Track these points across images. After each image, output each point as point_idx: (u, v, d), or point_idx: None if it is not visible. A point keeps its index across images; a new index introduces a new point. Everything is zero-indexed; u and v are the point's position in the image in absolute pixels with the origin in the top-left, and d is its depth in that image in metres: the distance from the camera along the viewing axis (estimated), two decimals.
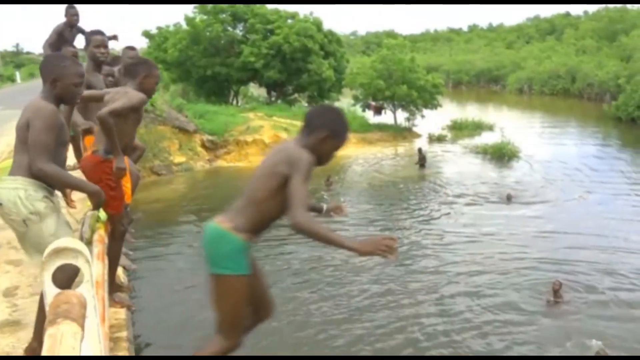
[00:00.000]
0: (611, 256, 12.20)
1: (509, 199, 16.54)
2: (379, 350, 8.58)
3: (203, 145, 23.26)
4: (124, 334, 4.34)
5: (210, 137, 23.40)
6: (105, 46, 5.34)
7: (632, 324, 9.39)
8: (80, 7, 8.87)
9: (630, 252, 12.45)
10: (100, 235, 4.29)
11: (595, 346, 8.15)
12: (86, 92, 4.21)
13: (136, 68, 4.31)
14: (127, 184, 5.19)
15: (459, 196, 17.60)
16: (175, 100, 23.94)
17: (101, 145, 4.09)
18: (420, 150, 23.16)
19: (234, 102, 34.21)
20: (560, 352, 8.37)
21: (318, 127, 3.25)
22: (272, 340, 8.89)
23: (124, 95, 4.07)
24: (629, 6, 64.81)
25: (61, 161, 3.52)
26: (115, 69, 5.83)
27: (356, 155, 25.16)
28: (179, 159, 21.64)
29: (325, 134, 3.24)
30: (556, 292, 10.02)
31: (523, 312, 9.77)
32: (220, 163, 23.27)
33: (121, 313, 4.67)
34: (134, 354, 4.29)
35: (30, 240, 3.33)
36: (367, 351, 8.54)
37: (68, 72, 3.35)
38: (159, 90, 26.47)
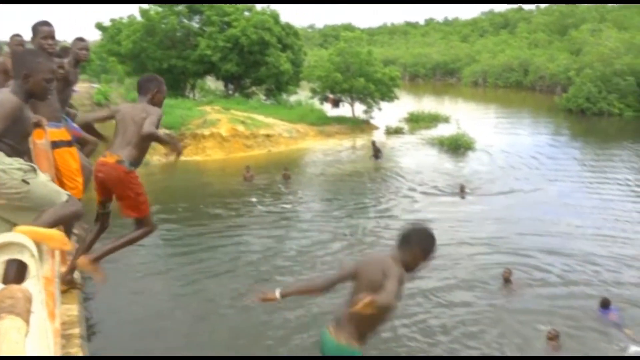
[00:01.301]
0: (562, 241, 12.62)
1: (462, 190, 16.84)
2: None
3: None
4: (76, 330, 4.27)
5: (166, 131, 23.01)
6: (53, 37, 5.22)
7: (582, 301, 9.77)
8: None
9: (580, 237, 12.92)
10: None
11: (546, 330, 8.44)
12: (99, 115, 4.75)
13: (148, 85, 4.56)
14: (78, 178, 5.10)
15: (414, 187, 17.83)
16: (131, 94, 23.46)
17: (124, 155, 4.33)
18: (373, 142, 23.36)
19: (191, 95, 33.81)
20: (513, 336, 8.61)
21: (413, 244, 3.76)
22: (228, 327, 8.93)
23: (151, 111, 4.36)
24: None
25: (23, 151, 3.54)
26: (65, 60, 5.69)
27: (314, 147, 25.22)
28: None
29: (419, 251, 3.77)
30: (507, 280, 10.28)
31: (475, 298, 10.02)
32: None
33: (74, 310, 4.60)
34: (87, 352, 4.23)
35: (35, 195, 3.25)
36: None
37: (41, 68, 3.41)
38: (113, 83, 26.01)
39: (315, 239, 13.26)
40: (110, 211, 4.80)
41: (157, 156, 22.11)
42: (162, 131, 4.56)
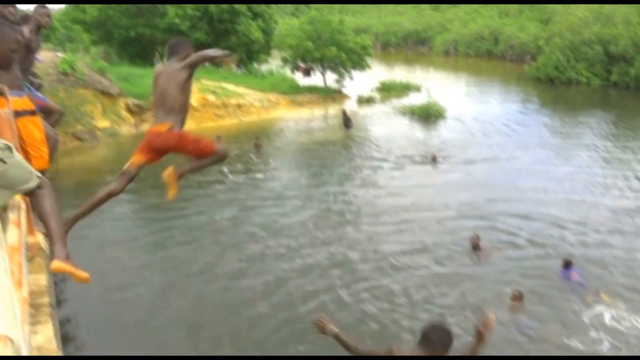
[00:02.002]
0: (531, 206, 12.92)
1: (434, 158, 16.99)
2: (299, 298, 8.88)
3: (128, 110, 22.55)
4: (45, 300, 4.26)
5: (135, 101, 22.71)
6: (13, 5, 5.08)
7: (548, 263, 10.07)
8: None
9: (549, 202, 13.24)
10: (16, 202, 4.16)
11: (511, 291, 8.68)
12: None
13: (179, 47, 4.71)
14: (43, 147, 5.03)
15: (385, 156, 17.95)
16: (97, 63, 22.98)
17: (172, 122, 4.54)
18: (344, 112, 23.34)
19: (160, 64, 33.20)
20: (478, 300, 8.83)
21: (436, 344, 3.90)
22: (194, 295, 9.02)
23: (189, 59, 4.48)
24: None
25: None
26: (26, 28, 5.54)
27: (286, 117, 25.13)
28: (102, 123, 20.92)
29: (440, 349, 3.90)
30: (475, 246, 10.50)
31: (441, 262, 10.26)
32: (147, 127, 22.60)
33: (43, 279, 4.58)
34: (57, 321, 4.24)
35: (10, 174, 3.19)
36: (285, 300, 8.78)
37: (6, 38, 3.37)
38: (78, 52, 25.40)
39: (286, 208, 13.34)
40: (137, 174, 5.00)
41: (126, 127, 21.84)
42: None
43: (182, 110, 4.58)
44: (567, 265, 9.42)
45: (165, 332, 8.31)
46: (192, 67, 4.51)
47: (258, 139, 19.46)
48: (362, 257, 10.56)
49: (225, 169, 16.58)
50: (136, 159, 4.84)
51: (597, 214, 12.38)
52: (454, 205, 13.19)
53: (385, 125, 23.41)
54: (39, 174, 3.41)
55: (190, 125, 23.09)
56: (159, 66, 4.73)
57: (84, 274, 3.80)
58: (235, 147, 19.24)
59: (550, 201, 13.30)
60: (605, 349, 7.51)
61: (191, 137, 4.66)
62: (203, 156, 4.72)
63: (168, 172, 4.73)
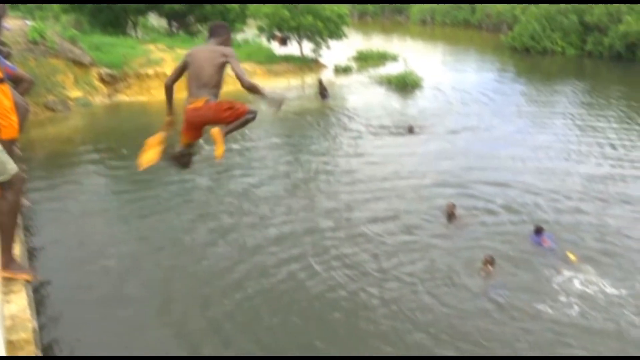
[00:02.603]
0: (506, 174, 13.11)
1: (410, 130, 17.05)
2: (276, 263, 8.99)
3: (101, 79, 22.13)
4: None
5: (108, 71, 22.30)
6: None
7: (521, 229, 10.25)
8: None
9: (524, 170, 13.43)
10: None
11: (482, 256, 8.86)
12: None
13: (220, 30, 4.92)
14: (12, 116, 4.94)
15: (362, 126, 17.95)
16: (68, 32, 22.43)
17: (207, 96, 4.78)
18: (320, 81, 23.20)
19: (133, 33, 32.54)
20: (449, 266, 9.00)
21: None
22: (170, 265, 9.05)
23: (227, 52, 4.82)
24: None
25: None
26: None
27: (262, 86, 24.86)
28: (75, 93, 20.53)
29: None
30: (451, 215, 10.64)
31: (419, 232, 10.38)
32: (121, 98, 22.33)
33: (16, 249, 4.54)
34: (30, 290, 4.23)
35: None
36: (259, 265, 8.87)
37: None
38: (48, 20, 24.80)
39: (261, 177, 13.34)
40: (194, 153, 5.18)
41: (99, 97, 21.49)
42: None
43: (217, 86, 4.78)
44: (539, 231, 9.61)
45: (137, 301, 8.34)
46: (227, 62, 4.78)
47: None
48: (336, 226, 10.64)
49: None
50: (183, 140, 5.13)
51: (571, 181, 12.60)
52: (429, 173, 13.30)
53: (362, 94, 23.37)
54: (15, 171, 3.36)
55: (163, 95, 22.82)
56: (194, 48, 4.84)
57: (25, 276, 4.03)
58: None
59: (525, 169, 13.49)
60: (574, 314, 7.70)
61: (225, 105, 4.80)
62: (242, 117, 4.88)
63: (215, 130, 4.83)
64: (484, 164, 14.00)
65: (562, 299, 8.02)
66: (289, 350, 7.18)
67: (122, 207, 11.84)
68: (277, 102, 4.92)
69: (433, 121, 18.33)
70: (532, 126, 17.81)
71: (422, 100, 22.06)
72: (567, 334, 7.32)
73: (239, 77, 4.63)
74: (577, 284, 8.36)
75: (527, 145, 15.60)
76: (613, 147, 15.20)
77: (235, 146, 16.15)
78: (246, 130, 17.50)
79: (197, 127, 5.06)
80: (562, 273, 8.63)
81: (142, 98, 22.39)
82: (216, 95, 4.82)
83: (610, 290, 8.17)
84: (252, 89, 4.72)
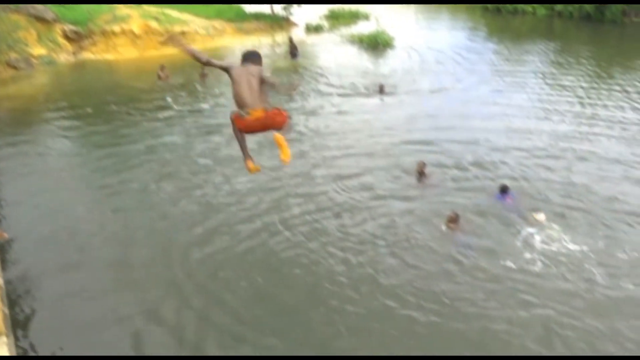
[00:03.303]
0: (473, 133, 13.18)
1: (381, 89, 16.96)
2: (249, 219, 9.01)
3: (65, 36, 21.53)
4: None
5: (72, 27, 21.68)
6: None
7: (488, 186, 10.38)
8: None
9: (492, 129, 13.50)
10: None
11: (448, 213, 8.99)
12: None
13: (254, 57, 5.58)
14: None
15: (333, 86, 17.80)
16: None
17: (263, 105, 5.42)
18: (291, 40, 22.85)
19: None
20: (410, 219, 9.10)
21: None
22: (141, 224, 9.02)
23: (261, 69, 5.47)
24: None
25: None
26: None
27: (232, 45, 24.48)
28: (38, 51, 19.95)
29: None
30: (421, 173, 10.70)
31: (388, 191, 10.42)
32: (87, 55, 21.76)
33: None
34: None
35: None
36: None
37: None
38: None
39: (230, 136, 13.17)
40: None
41: (64, 54, 20.93)
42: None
43: (266, 97, 5.47)
44: (504, 190, 9.73)
45: (99, 260, 8.37)
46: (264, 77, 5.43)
47: (203, 68, 18.93)
48: (302, 184, 10.66)
49: (169, 99, 16.21)
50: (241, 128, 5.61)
51: (539, 139, 12.72)
52: (399, 132, 13.31)
53: (333, 54, 23.11)
54: None
55: (132, 53, 22.34)
56: (236, 65, 5.51)
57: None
58: (180, 76, 18.77)
59: (495, 128, 13.56)
60: (537, 269, 7.85)
61: (276, 112, 5.48)
62: (288, 121, 5.61)
63: (277, 136, 5.43)
64: (455, 122, 14.04)
65: (526, 256, 8.17)
66: (250, 308, 7.24)
67: (86, 165, 11.69)
68: (292, 88, 5.83)
69: (404, 81, 18.25)
70: (504, 85, 17.86)
71: (393, 60, 21.91)
72: (529, 291, 7.45)
73: (275, 85, 5.46)
74: (540, 241, 8.51)
75: (498, 103, 15.67)
76: (582, 105, 15.35)
77: (204, 105, 15.97)
78: (216, 89, 17.34)
79: (254, 132, 5.72)
80: (526, 230, 8.77)
81: (109, 56, 21.87)
82: (268, 103, 5.48)
83: (573, 246, 8.34)
84: (268, 81, 5.41)
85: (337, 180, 10.71)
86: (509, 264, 8.00)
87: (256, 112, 5.37)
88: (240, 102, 5.38)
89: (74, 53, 21.41)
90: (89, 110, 15.34)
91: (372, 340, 6.69)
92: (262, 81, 5.40)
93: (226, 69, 5.49)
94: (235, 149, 12.25)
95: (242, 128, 5.58)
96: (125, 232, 9.07)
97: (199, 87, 17.74)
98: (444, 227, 8.91)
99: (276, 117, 5.47)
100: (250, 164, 5.79)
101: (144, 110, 15.25)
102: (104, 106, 15.64)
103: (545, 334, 6.70)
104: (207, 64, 5.47)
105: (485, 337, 6.67)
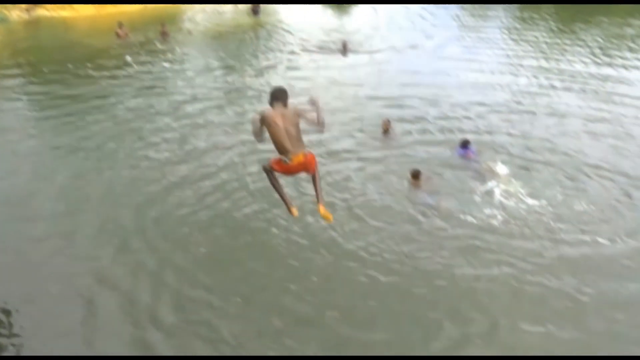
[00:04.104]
0: (437, 90, 13.11)
1: (345, 47, 16.72)
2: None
3: None
4: None
5: None
6: None
7: (451, 140, 10.35)
8: None
9: (455, 85, 13.49)
10: None
11: (410, 169, 8.98)
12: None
13: (282, 95, 5.45)
14: None
15: (296, 44, 17.50)
16: None
17: (305, 148, 5.49)
18: None
19: None
20: (379, 183, 9.06)
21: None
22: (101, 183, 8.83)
23: (293, 109, 5.43)
24: None
25: None
26: None
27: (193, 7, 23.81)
28: None
29: None
30: (386, 130, 10.64)
31: (351, 149, 10.32)
32: (41, 12, 20.93)
33: None
34: None
35: None
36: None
37: None
38: None
39: (192, 95, 12.94)
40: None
41: (17, 11, 20.10)
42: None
43: (302, 139, 5.51)
44: (465, 144, 9.74)
45: (48, 212, 8.30)
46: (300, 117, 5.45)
47: (164, 26, 18.43)
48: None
49: (128, 58, 15.75)
50: (277, 169, 5.68)
51: (502, 94, 12.75)
52: (364, 90, 13.17)
53: (295, 10, 22.65)
54: None
55: (88, 10, 21.57)
56: (267, 111, 5.43)
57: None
58: (140, 34, 18.22)
59: (459, 83, 13.55)
60: (497, 223, 7.91)
61: (311, 155, 5.62)
62: (315, 165, 5.68)
63: (322, 211, 5.60)
64: (418, 79, 13.97)
65: (486, 211, 8.21)
66: (206, 270, 7.15)
67: (40, 125, 11.38)
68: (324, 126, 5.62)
69: (370, 37, 18.05)
70: (469, 41, 17.81)
71: (359, 17, 21.61)
72: (490, 242, 7.51)
73: (313, 122, 5.40)
74: (500, 195, 8.55)
75: (462, 59, 15.62)
76: (546, 60, 15.40)
77: (165, 65, 15.58)
78: (177, 47, 16.94)
79: (289, 174, 5.88)
80: (486, 185, 8.80)
81: (65, 13, 21.10)
82: (304, 145, 5.55)
83: (532, 201, 8.40)
84: (323, 125, 5.48)
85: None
86: (470, 219, 8.02)
87: (298, 157, 5.44)
88: (281, 149, 5.41)
89: (27, 10, 20.58)
90: (44, 69, 14.83)
91: (333, 300, 6.63)
92: (299, 122, 5.43)
93: (261, 121, 5.42)
94: (196, 108, 12.10)
95: (280, 172, 5.68)
96: (79, 192, 8.86)
97: (159, 46, 17.26)
98: (406, 184, 8.90)
99: (312, 160, 5.58)
100: (294, 210, 5.83)
101: (102, 69, 14.80)
102: (59, 65, 15.11)
103: (505, 290, 6.73)
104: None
105: (447, 294, 6.67)
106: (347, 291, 6.63)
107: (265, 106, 5.58)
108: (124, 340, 6.05)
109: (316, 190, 5.72)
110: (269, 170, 5.69)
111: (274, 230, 7.91)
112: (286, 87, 5.61)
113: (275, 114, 5.34)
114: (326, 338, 6.07)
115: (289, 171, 5.64)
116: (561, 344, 5.91)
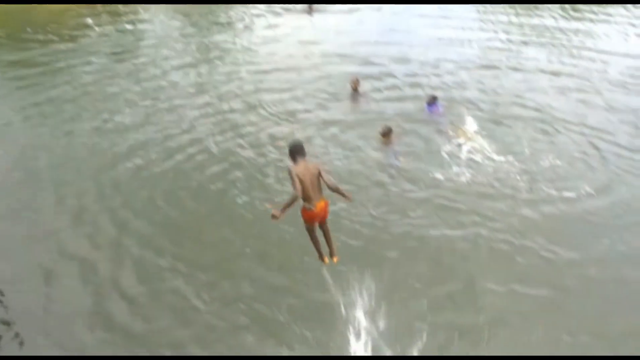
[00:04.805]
0: (405, 48, 12.95)
1: (310, 7, 16.38)
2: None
3: None
4: None
5: None
6: None
7: (419, 96, 10.24)
8: None
9: (424, 43, 13.33)
10: None
11: (380, 127, 8.89)
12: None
13: (302, 150, 5.92)
14: None
15: (261, 6, 17.12)
16: None
17: (324, 197, 5.94)
18: None
19: None
20: (348, 140, 8.94)
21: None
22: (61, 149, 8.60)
23: (318, 166, 5.93)
24: None
25: None
26: None
27: None
28: None
29: None
30: (354, 88, 10.48)
31: (320, 107, 10.17)
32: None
33: None
34: None
35: None
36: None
37: None
38: None
39: (160, 57, 12.60)
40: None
41: None
42: None
43: (321, 189, 6.01)
44: (433, 100, 9.65)
45: (4, 177, 8.16)
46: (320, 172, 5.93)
47: None
48: (230, 97, 10.29)
49: (89, 20, 15.27)
50: (310, 225, 6.17)
51: (470, 51, 12.66)
52: (332, 50, 12.94)
53: None
54: None
55: None
56: (297, 166, 5.86)
57: None
58: None
59: (427, 41, 13.40)
60: (465, 181, 7.86)
61: (327, 202, 6.06)
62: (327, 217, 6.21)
63: (335, 259, 6.25)
64: (387, 38, 13.78)
65: (454, 167, 8.17)
66: (162, 233, 7.03)
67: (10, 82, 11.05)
68: (349, 198, 5.93)
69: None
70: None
71: None
72: (458, 202, 7.49)
73: (328, 183, 5.80)
74: (467, 152, 8.51)
75: (431, 16, 15.47)
76: (516, 15, 15.30)
77: (128, 27, 15.13)
78: (140, 8, 16.42)
79: (319, 219, 6.15)
80: (454, 141, 8.76)
81: None
82: (322, 194, 6.03)
83: (499, 156, 8.38)
84: (337, 190, 5.78)
85: (264, 95, 10.38)
86: (439, 177, 7.97)
87: (320, 204, 5.92)
88: (307, 197, 5.84)
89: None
90: (0, 33, 14.32)
91: (302, 265, 6.51)
92: (319, 174, 5.89)
93: (291, 176, 5.75)
94: (162, 69, 11.80)
95: (310, 220, 6.06)
96: (36, 160, 8.60)
97: (121, 8, 16.72)
98: (374, 143, 8.81)
99: (327, 208, 6.06)
100: (326, 259, 6.30)
101: (63, 33, 14.32)
102: (17, 31, 14.59)
103: (475, 250, 6.72)
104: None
105: (418, 256, 6.63)
106: (316, 256, 6.54)
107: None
108: (86, 310, 5.92)
109: (329, 242, 6.31)
110: (310, 229, 6.17)
111: (237, 193, 7.75)
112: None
113: (300, 169, 5.85)
114: (297, 304, 6.00)
115: (315, 218, 6.08)
116: (535, 303, 5.92)
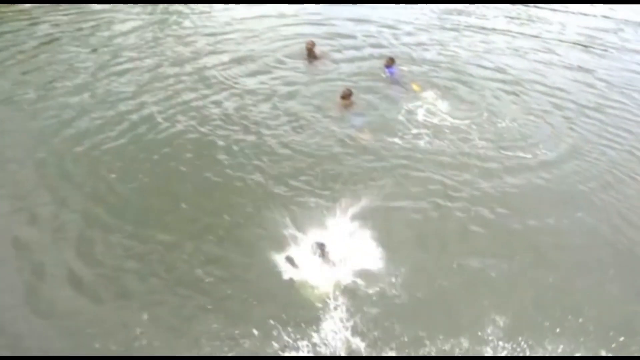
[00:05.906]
0: (364, 9, 12.80)
1: None
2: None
3: None
4: None
5: None
6: None
7: (378, 59, 10.11)
8: None
9: (381, 6, 13.16)
10: None
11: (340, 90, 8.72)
12: None
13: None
14: None
15: None
16: None
17: None
18: None
19: None
20: (308, 105, 8.76)
21: None
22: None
23: None
24: None
25: None
26: None
27: None
28: None
29: None
30: (310, 51, 10.23)
31: (277, 72, 9.87)
32: None
33: None
34: None
35: None
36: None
37: None
38: None
39: (114, 32, 11.98)
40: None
41: None
42: None
43: None
44: (390, 63, 9.51)
45: None
46: None
47: None
48: (188, 72, 9.87)
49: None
50: None
51: (429, 13, 12.55)
52: (288, 11, 12.63)
53: None
54: None
55: None
56: None
57: None
58: None
59: (385, 4, 13.19)
60: (423, 143, 7.78)
61: None
62: None
63: None
64: None
65: (413, 129, 8.08)
66: (145, 190, 6.79)
67: None
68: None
69: None
70: None
71: None
72: (417, 161, 7.42)
73: None
74: (425, 114, 8.42)
75: None
76: None
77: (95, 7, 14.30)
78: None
79: None
80: (412, 104, 8.65)
81: None
82: None
83: (455, 120, 8.33)
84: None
85: (224, 64, 10.00)
86: (396, 140, 7.86)
87: None
88: None
89: None
90: None
91: (262, 223, 6.34)
92: None
93: None
94: (119, 43, 11.23)
95: None
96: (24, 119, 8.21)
97: None
98: (337, 104, 8.58)
99: None
100: None
101: (29, 10, 13.47)
102: None
103: (434, 207, 6.66)
104: None
105: (378, 214, 6.39)
106: (275, 217, 6.34)
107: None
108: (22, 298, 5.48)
109: None
110: None
111: (199, 162, 7.42)
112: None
113: None
114: (265, 266, 5.74)
115: None
116: (505, 276, 5.81)
